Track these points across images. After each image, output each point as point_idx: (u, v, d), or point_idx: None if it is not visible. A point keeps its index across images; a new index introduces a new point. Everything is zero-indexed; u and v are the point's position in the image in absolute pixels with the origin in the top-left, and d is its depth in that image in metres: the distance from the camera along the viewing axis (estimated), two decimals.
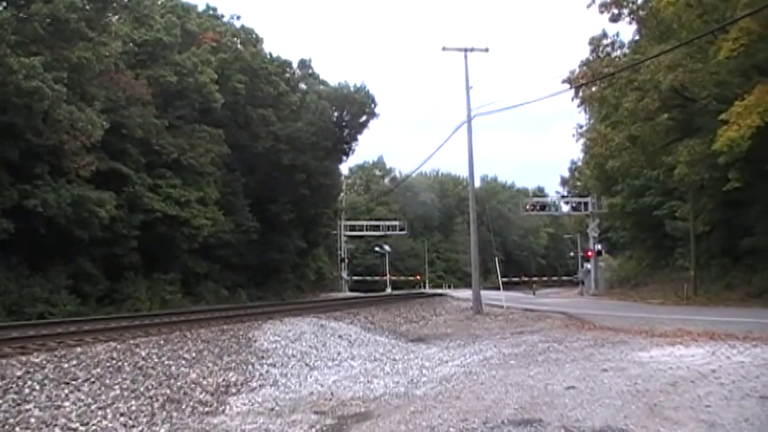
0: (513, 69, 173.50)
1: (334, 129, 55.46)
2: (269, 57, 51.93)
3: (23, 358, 10.81)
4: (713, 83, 26.30)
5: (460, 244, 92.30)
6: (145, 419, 8.23)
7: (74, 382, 9.48)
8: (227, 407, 9.13)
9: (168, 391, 9.57)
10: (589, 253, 53.54)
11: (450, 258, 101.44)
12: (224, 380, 10.70)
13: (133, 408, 8.61)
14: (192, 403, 9.17)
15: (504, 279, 37.99)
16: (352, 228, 79.49)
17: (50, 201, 27.24)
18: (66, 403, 8.50)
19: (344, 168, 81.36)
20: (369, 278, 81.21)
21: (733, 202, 30.98)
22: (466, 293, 38.77)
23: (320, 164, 52.56)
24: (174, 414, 8.60)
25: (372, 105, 58.05)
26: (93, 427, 7.76)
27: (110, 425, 7.89)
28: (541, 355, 12.42)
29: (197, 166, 38.40)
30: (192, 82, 37.90)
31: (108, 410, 8.38)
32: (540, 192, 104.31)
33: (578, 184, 67.43)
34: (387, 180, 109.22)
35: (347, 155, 62.43)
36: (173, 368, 11.15)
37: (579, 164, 65.21)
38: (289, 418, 8.31)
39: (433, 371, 11.77)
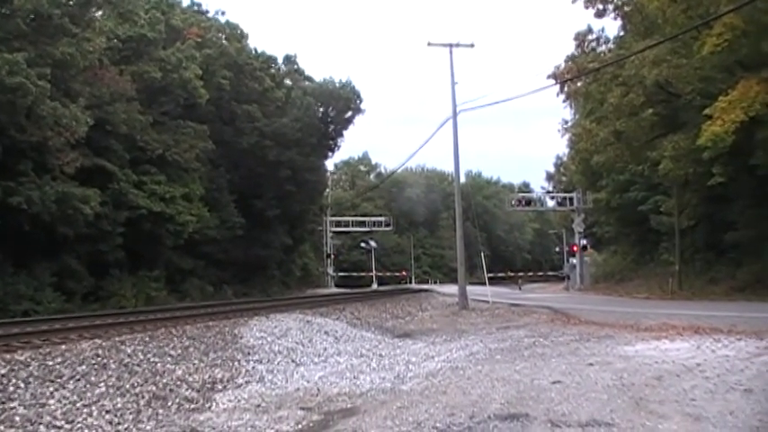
0: (499, 65, 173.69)
1: (319, 124, 55.25)
2: (254, 52, 51.77)
3: (8, 356, 10.74)
4: (697, 78, 26.46)
5: (446, 239, 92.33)
6: (131, 417, 8.19)
7: (59, 380, 9.43)
8: (214, 403, 9.11)
9: (154, 388, 9.54)
10: (575, 247, 53.42)
11: (436, 254, 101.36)
12: (210, 376, 10.68)
13: (119, 405, 8.58)
14: (177, 400, 9.15)
15: (490, 274, 37.94)
16: (338, 224, 79.25)
17: (35, 198, 27.00)
18: (51, 401, 8.45)
19: (330, 164, 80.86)
20: (354, 274, 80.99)
21: (717, 196, 31.23)
22: (452, 289, 38.81)
23: (305, 160, 52.36)
24: (160, 411, 8.57)
25: (358, 101, 57.91)
26: (79, 425, 7.72)
27: (95, 422, 7.85)
28: (527, 350, 12.47)
29: (182, 163, 38.20)
30: (176, 78, 37.66)
31: (93, 408, 8.34)
32: (525, 187, 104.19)
33: (563, 179, 67.68)
34: (372, 176, 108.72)
35: (333, 151, 62.28)
36: (158, 365, 11.12)
37: (564, 159, 65.51)
38: (275, 415, 8.30)
39: (419, 366, 11.78)
